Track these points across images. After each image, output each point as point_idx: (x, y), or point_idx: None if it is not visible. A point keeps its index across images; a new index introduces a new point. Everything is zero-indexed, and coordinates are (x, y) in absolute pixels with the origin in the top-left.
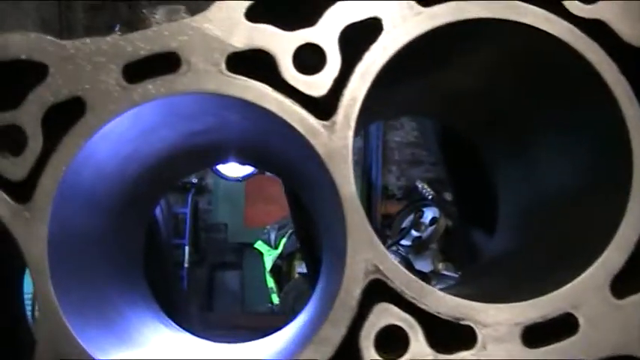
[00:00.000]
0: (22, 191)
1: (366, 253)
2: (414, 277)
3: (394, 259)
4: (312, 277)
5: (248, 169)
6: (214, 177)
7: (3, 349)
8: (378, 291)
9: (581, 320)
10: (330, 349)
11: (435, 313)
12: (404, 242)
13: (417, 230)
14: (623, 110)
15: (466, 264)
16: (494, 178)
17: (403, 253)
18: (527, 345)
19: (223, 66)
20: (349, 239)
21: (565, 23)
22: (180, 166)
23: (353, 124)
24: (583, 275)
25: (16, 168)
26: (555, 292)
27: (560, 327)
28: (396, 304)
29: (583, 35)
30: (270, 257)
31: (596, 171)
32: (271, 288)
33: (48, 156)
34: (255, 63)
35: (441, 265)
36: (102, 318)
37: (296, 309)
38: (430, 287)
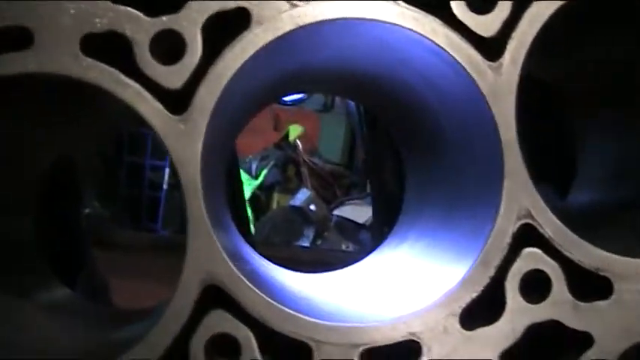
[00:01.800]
0: (177, 102)
1: (520, 198)
2: (561, 224)
3: (545, 206)
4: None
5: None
6: None
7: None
8: (526, 236)
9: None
10: (477, 289)
11: (578, 262)
12: None
13: None
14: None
15: None
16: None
17: None
18: None
19: None
20: (506, 182)
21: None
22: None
23: (519, 66)
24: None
25: (173, 76)
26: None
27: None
28: (543, 250)
29: None
30: (249, 187)
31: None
32: (248, 217)
33: (206, 67)
34: None
35: None
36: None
37: (270, 239)
38: (575, 236)
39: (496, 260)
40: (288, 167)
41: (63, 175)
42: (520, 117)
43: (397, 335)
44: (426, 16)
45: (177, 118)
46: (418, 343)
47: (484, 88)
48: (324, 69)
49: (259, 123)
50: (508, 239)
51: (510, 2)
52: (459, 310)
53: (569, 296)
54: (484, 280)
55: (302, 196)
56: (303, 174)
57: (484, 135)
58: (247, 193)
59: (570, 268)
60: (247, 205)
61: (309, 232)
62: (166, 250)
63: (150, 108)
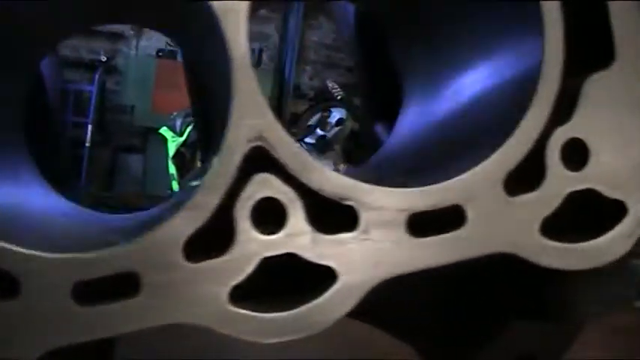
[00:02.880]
0: None
1: (251, 118)
2: (300, 149)
3: (282, 129)
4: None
5: None
6: (126, 57)
7: None
8: (260, 160)
9: (469, 213)
10: (203, 216)
11: (317, 190)
12: (308, 140)
13: (322, 129)
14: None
15: None
16: (402, 70)
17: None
18: (412, 233)
19: None
20: (235, 100)
21: None
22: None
23: None
24: (476, 168)
25: None
26: (446, 183)
27: (449, 220)
28: (278, 176)
29: None
30: (174, 144)
31: (508, 69)
32: (172, 175)
33: None
34: None
35: (342, 167)
36: None
37: None
38: (317, 163)
39: (222, 186)
40: None
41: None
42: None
43: None
44: None
45: None
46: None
47: (215, 4)
48: None
49: (182, 79)
50: (236, 162)
51: None
52: (185, 240)
53: (307, 227)
54: (210, 207)
55: None
56: None
57: (219, 55)
58: (172, 151)
59: (312, 196)
60: (171, 161)
61: None
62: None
63: None
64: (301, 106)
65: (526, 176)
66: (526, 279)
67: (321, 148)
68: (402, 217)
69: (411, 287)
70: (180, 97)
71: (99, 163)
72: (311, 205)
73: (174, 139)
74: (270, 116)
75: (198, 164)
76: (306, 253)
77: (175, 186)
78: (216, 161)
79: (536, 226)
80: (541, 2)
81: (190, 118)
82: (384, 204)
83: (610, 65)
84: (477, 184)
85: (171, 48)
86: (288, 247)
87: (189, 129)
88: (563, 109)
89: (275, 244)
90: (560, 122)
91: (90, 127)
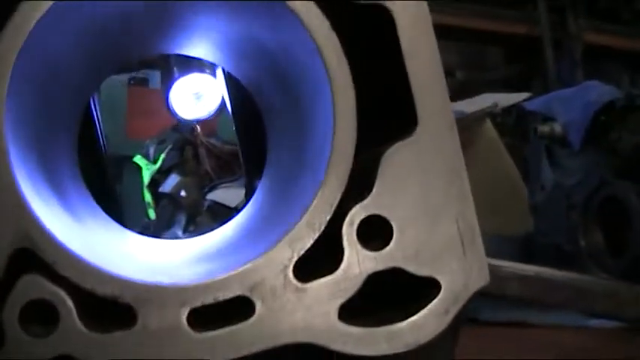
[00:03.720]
0: None
1: (16, 220)
2: (66, 246)
3: (48, 228)
4: None
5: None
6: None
7: None
8: (29, 260)
9: (257, 304)
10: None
11: (90, 289)
12: None
13: None
14: (330, 73)
15: None
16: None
17: None
18: (195, 329)
19: None
20: None
21: None
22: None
23: None
24: (265, 254)
25: None
26: (227, 274)
27: (238, 311)
28: (47, 276)
29: None
30: (148, 172)
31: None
32: (148, 203)
33: None
34: None
35: None
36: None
37: (172, 221)
38: (83, 260)
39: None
40: (185, 149)
41: None
42: None
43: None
44: None
45: None
46: None
47: None
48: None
49: (154, 104)
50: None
51: None
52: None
53: (80, 327)
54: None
55: (171, 182)
56: (200, 155)
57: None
58: (147, 178)
59: (87, 295)
60: (146, 190)
61: (181, 218)
62: None
63: None
64: None
65: (323, 258)
66: None
67: None
68: (184, 313)
69: None
70: (151, 124)
71: None
72: (87, 302)
73: (148, 166)
74: (34, 218)
75: None
76: (81, 355)
77: (152, 214)
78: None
79: (333, 312)
80: (328, 72)
81: (164, 145)
82: (163, 301)
83: (411, 132)
84: (262, 273)
85: (142, 76)
86: (62, 349)
87: (162, 155)
88: (361, 183)
89: (49, 346)
90: (357, 198)
91: None
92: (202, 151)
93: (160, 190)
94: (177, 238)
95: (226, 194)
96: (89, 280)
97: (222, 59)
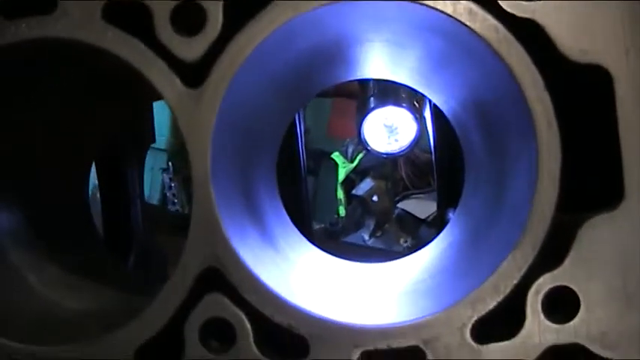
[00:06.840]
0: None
1: (208, 243)
2: (254, 273)
3: (235, 250)
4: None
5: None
6: None
7: None
8: (214, 280)
9: (429, 355)
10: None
11: (269, 316)
12: None
13: None
14: (538, 133)
15: None
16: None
17: None
18: None
19: None
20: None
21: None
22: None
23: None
24: (446, 310)
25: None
26: (410, 323)
27: (403, 357)
28: (229, 297)
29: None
30: (344, 170)
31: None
32: (340, 200)
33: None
34: None
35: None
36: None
37: (360, 224)
38: (266, 286)
39: (175, 302)
40: None
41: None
42: None
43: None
44: None
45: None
46: None
47: (182, 118)
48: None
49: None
50: (188, 282)
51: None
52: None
53: (255, 351)
54: (161, 321)
55: (365, 186)
56: (398, 161)
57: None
58: (342, 176)
59: (264, 321)
60: (340, 186)
61: (370, 223)
62: None
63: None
64: None
65: (500, 321)
66: None
67: None
68: (354, 354)
69: None
70: (353, 125)
71: None
72: (263, 328)
73: (344, 164)
74: (225, 240)
75: None
76: None
77: (342, 211)
78: (170, 280)
79: None
80: (536, 131)
81: (362, 146)
82: (334, 337)
83: (614, 206)
84: (439, 329)
85: None
86: None
87: (360, 156)
88: (547, 250)
89: None
90: (545, 265)
91: None
92: (400, 157)
93: (354, 192)
94: (363, 241)
95: (417, 205)
96: (268, 306)
97: (432, 92)
